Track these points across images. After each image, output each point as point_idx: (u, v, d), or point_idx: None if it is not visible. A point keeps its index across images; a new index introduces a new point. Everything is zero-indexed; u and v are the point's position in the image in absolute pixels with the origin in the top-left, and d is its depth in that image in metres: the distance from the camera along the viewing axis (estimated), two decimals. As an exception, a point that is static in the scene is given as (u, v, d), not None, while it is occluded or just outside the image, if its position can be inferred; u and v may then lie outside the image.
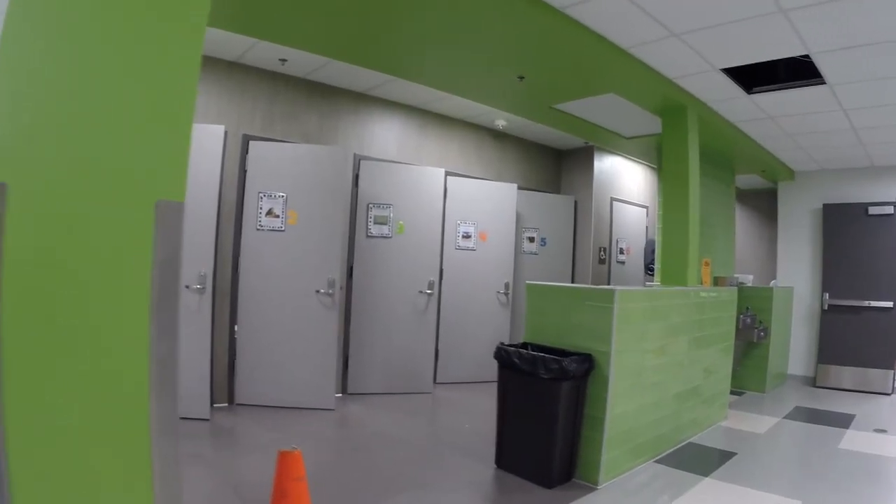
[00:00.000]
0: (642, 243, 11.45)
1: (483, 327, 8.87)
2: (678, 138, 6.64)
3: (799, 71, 5.74)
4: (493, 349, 8.56)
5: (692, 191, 6.59)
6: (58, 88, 2.03)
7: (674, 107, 6.59)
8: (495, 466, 5.12)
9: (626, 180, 11.01)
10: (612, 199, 10.60)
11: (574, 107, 6.91)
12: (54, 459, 2.02)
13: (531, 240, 9.68)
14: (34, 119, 1.98)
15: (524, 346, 5.25)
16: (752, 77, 6.03)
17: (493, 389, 8.19)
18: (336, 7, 4.49)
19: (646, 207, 11.60)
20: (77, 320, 2.06)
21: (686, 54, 5.41)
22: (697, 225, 6.75)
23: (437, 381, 8.31)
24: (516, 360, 4.89)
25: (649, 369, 5.37)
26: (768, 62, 5.56)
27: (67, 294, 2.04)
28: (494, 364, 8.59)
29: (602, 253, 10.32)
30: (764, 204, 12.35)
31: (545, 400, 4.69)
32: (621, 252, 10.86)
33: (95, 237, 2.09)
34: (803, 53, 5.26)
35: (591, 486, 4.79)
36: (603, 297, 4.89)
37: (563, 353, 4.86)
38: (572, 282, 9.84)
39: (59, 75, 2.03)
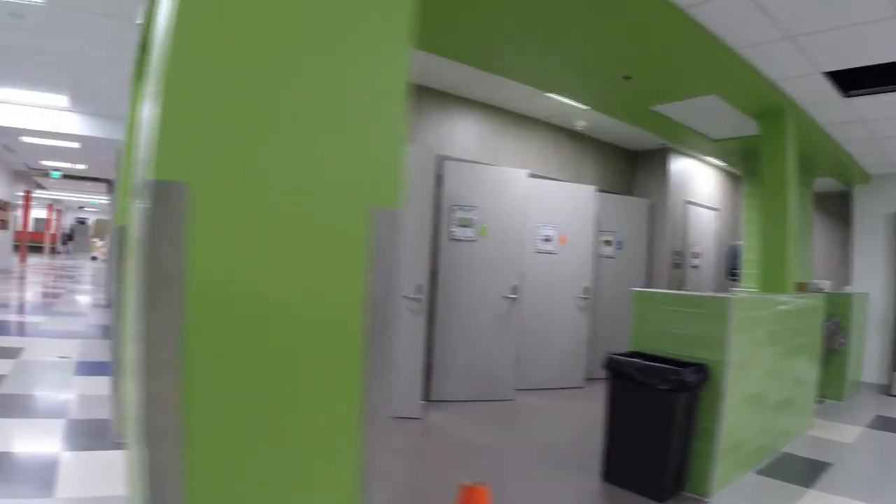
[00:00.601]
0: (714, 247, 11.31)
1: (563, 332, 8.74)
2: (777, 142, 6.54)
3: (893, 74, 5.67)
4: (572, 355, 8.82)
5: (791, 195, 6.48)
6: (254, 88, 1.90)
7: (772, 109, 6.47)
8: (601, 479, 5.01)
9: (699, 183, 10.89)
10: (686, 202, 10.47)
11: (672, 108, 6.82)
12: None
13: (607, 243, 9.55)
14: (223, 118, 1.85)
15: (631, 354, 5.12)
16: (846, 80, 5.93)
17: (574, 396, 8.36)
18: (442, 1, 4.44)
19: (717, 210, 11.45)
20: (268, 339, 1.93)
21: (794, 56, 5.34)
22: (796, 231, 6.63)
23: (517, 387, 8.13)
24: (630, 371, 4.77)
25: (755, 379, 5.26)
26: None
27: (259, 306, 1.92)
28: (574, 369, 8.63)
29: (677, 257, 10.19)
30: (833, 207, 12.15)
31: (661, 411, 4.57)
32: (695, 256, 10.73)
33: (297, 243, 1.98)
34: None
35: (701, 498, 4.69)
36: (718, 305, 4.77)
37: (674, 363, 4.74)
38: (648, 286, 9.71)
39: (255, 75, 1.90)
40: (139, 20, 5.16)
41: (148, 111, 2.29)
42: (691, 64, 5.49)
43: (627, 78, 5.86)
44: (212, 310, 1.83)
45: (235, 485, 1.91)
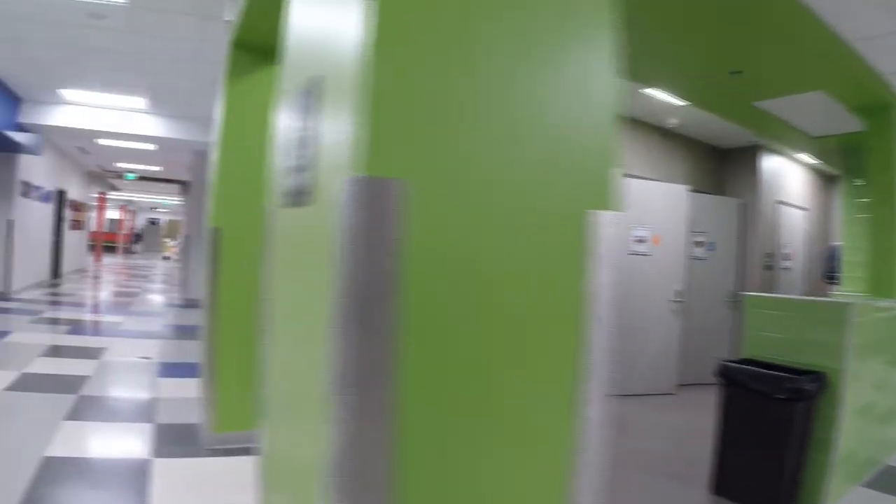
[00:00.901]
0: (803, 247, 11.03)
1: (655, 336, 8.51)
2: (884, 139, 6.26)
3: None
4: (664, 359, 8.63)
5: (900, 195, 6.19)
6: (465, 89, 1.78)
7: (879, 105, 6.20)
8: (709, 492, 4.80)
9: (789, 182, 10.59)
10: (776, 202, 10.18)
11: (776, 104, 6.61)
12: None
13: (699, 244, 9.31)
14: (432, 114, 1.72)
15: (743, 361, 4.91)
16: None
17: (667, 402, 8.22)
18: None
19: (806, 210, 11.13)
20: (491, 355, 1.82)
21: (905, 49, 5.13)
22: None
23: (610, 392, 7.92)
24: (743, 379, 4.58)
25: (868, 387, 5.03)
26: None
27: (481, 318, 1.79)
28: (666, 375, 8.43)
29: (768, 259, 9.92)
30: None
31: (776, 421, 4.38)
32: (785, 258, 10.44)
33: (519, 247, 1.87)
34: None
35: (816, 512, 4.48)
36: (837, 311, 4.57)
37: (788, 371, 4.53)
38: (740, 289, 9.46)
39: (467, 77, 1.79)
40: (228, 17, 5.11)
41: (286, 109, 2.19)
42: (804, 57, 5.31)
43: (736, 73, 5.71)
44: (429, 325, 1.69)
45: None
